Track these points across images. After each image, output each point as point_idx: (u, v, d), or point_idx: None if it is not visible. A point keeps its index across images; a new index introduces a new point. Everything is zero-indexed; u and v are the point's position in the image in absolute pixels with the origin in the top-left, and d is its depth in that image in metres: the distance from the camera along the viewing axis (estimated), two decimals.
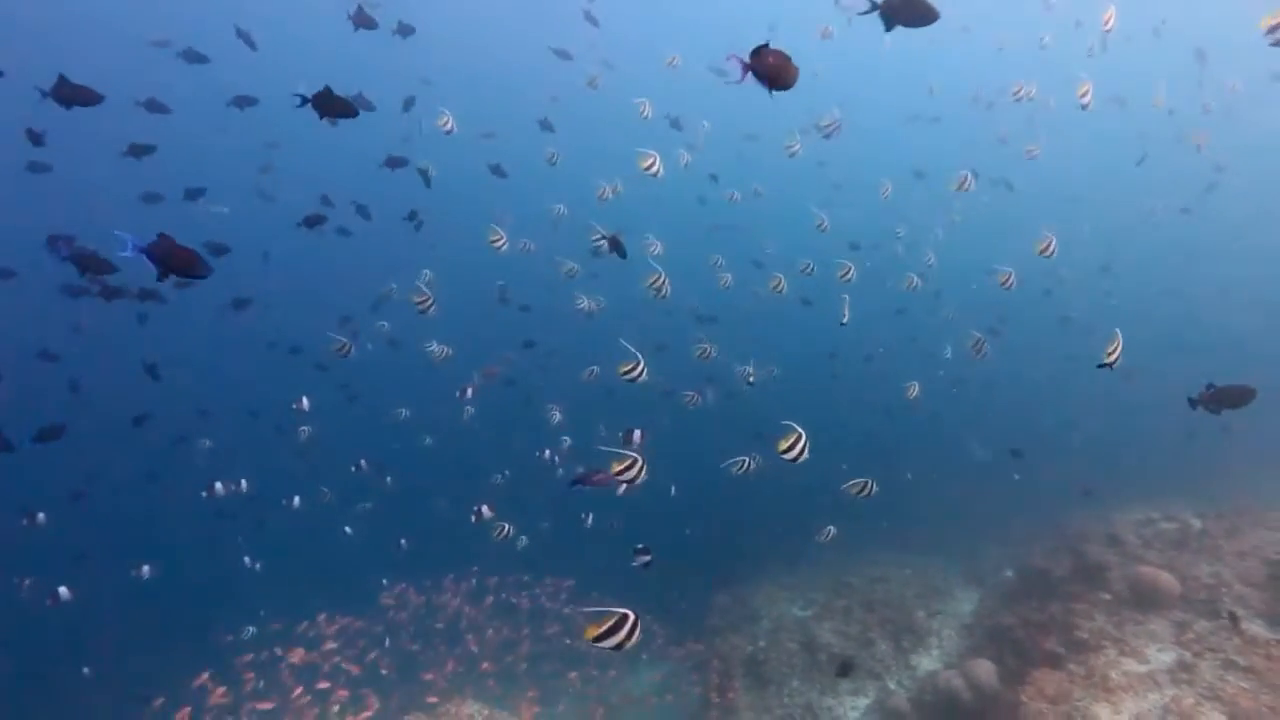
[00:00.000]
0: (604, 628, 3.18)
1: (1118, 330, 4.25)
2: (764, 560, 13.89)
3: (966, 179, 7.14)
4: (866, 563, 13.33)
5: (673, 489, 11.13)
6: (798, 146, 8.40)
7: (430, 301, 7.56)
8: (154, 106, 10.48)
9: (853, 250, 15.05)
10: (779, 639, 11.47)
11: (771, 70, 3.34)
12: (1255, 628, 7.51)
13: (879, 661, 10.53)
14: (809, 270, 8.21)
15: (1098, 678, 7.22)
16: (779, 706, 10.25)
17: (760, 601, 12.82)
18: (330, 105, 5.42)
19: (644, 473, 3.73)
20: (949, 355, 11.59)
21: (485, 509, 7.29)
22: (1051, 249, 6.16)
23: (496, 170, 12.86)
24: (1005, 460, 13.93)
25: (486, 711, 8.39)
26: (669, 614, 13.35)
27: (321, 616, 10.18)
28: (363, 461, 9.03)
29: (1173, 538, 9.86)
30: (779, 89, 3.40)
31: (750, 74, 3.34)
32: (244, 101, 11.99)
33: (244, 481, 8.23)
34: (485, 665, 10.12)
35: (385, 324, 11.93)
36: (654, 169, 6.52)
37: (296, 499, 10.22)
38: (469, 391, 9.06)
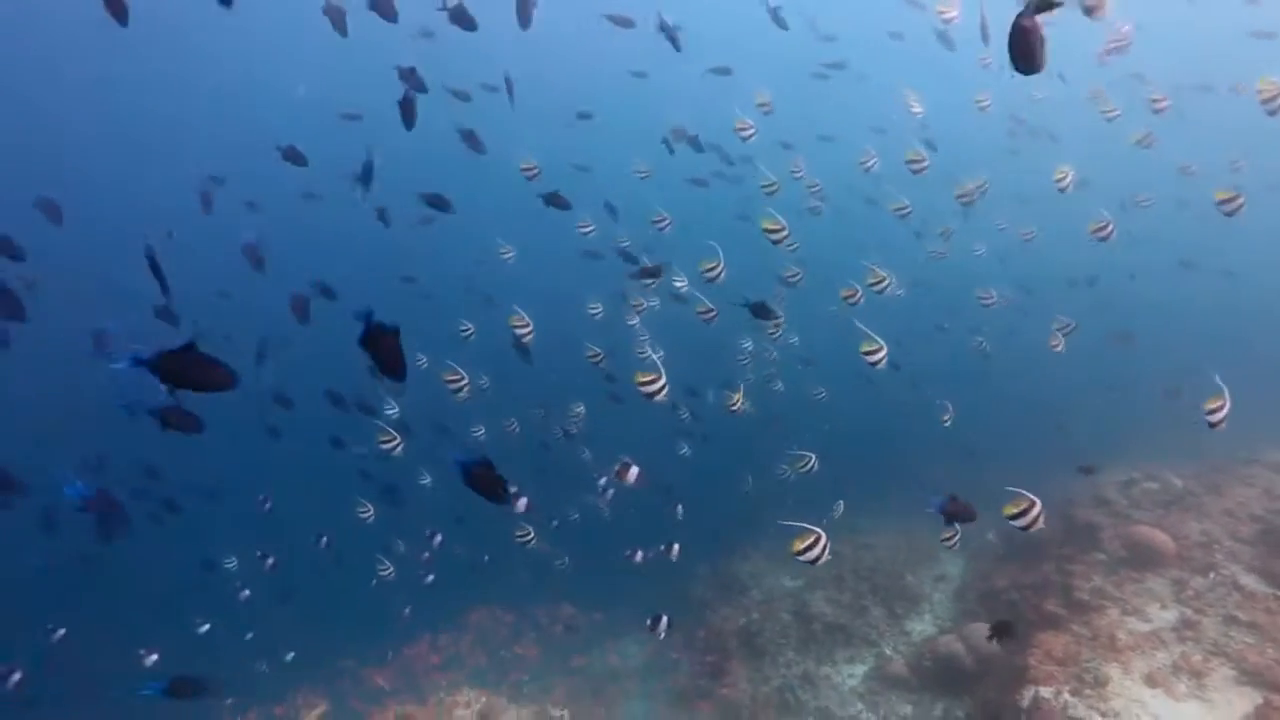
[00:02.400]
0: None
1: (1221, 386, 4.00)
2: (750, 533, 13.75)
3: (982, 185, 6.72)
4: (850, 529, 13.32)
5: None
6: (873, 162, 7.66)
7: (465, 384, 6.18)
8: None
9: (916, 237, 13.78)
10: (772, 609, 11.37)
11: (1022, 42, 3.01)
12: (1252, 583, 7.65)
13: (874, 628, 10.52)
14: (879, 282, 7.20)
15: (1104, 638, 7.24)
16: (776, 677, 10.15)
17: (748, 573, 12.71)
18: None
19: (827, 552, 3.55)
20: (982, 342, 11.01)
21: (524, 501, 6.37)
22: (1238, 206, 5.65)
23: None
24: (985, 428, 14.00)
25: (484, 698, 8.00)
26: (655, 592, 13.12)
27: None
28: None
29: (1158, 497, 10.03)
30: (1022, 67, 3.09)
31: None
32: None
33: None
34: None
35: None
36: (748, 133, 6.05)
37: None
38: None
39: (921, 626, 10.50)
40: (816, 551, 3.49)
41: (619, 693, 11.58)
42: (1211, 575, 7.90)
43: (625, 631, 12.74)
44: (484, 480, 3.55)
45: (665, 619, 5.76)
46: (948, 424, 7.83)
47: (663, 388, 4.45)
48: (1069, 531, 10.08)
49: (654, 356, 7.99)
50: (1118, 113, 7.98)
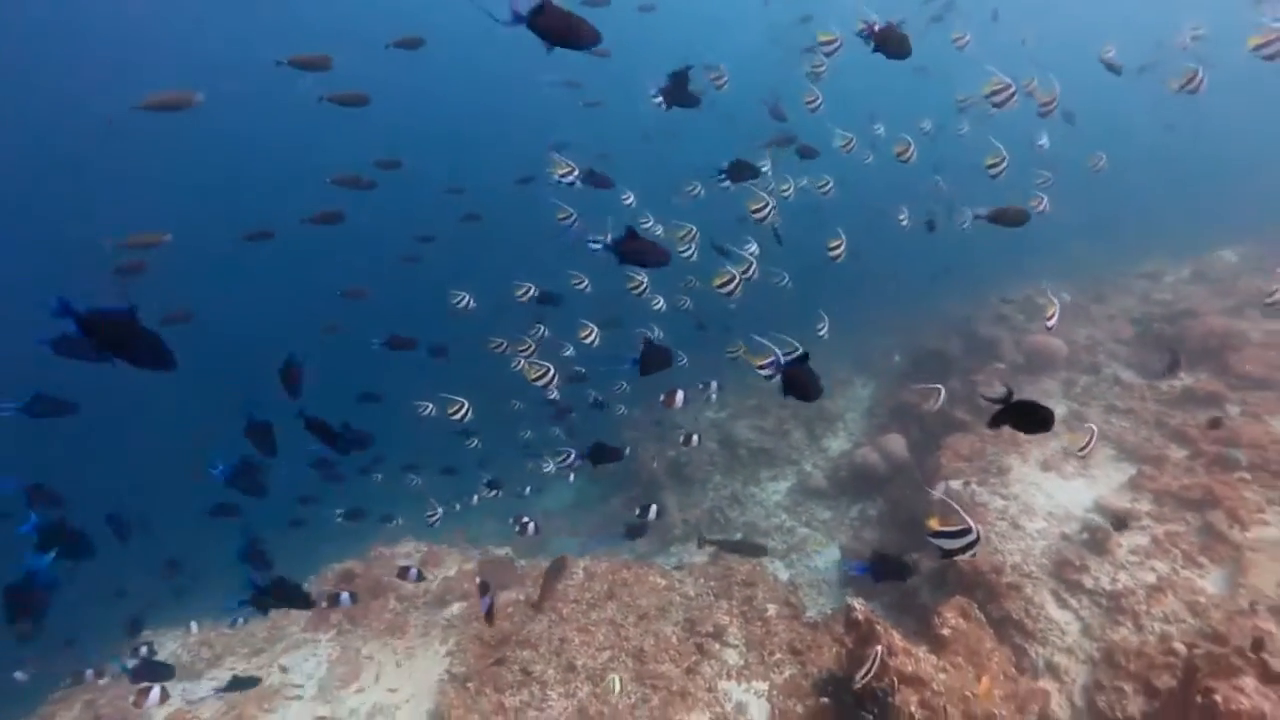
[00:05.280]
0: None
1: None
2: (672, 373, 13.89)
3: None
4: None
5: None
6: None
7: None
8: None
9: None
10: (699, 442, 11.77)
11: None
12: (1129, 376, 8.50)
13: (795, 449, 11.18)
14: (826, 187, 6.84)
15: (1005, 435, 7.92)
16: (705, 500, 10.74)
17: (676, 410, 13.00)
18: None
19: (977, 546, 3.24)
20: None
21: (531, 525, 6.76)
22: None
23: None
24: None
25: (425, 547, 7.92)
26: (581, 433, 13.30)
27: None
28: None
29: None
30: None
31: None
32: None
33: None
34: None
35: None
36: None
37: None
38: None
39: (838, 443, 11.26)
40: (963, 545, 3.29)
41: (552, 529, 12.01)
42: (1095, 373, 8.72)
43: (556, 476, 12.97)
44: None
45: (654, 508, 6.29)
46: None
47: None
48: (971, 347, 10.79)
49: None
50: None
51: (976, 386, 9.28)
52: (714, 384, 7.72)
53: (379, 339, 7.06)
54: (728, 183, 6.09)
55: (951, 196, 8.75)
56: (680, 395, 5.79)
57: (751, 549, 7.59)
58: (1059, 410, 8.30)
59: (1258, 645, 3.81)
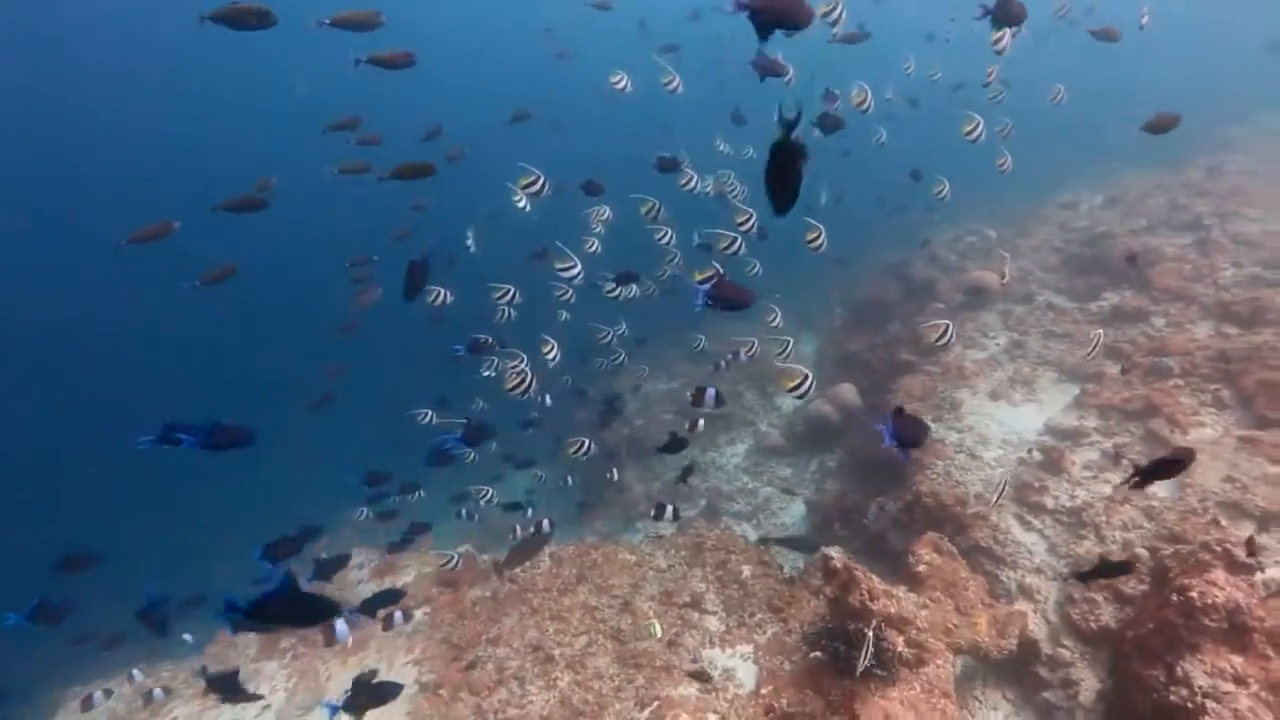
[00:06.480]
0: None
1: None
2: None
3: None
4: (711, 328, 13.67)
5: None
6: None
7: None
8: None
9: None
10: (653, 414, 11.61)
11: None
12: (1061, 301, 8.76)
13: (749, 410, 11.13)
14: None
15: (953, 370, 8.05)
16: (665, 471, 10.57)
17: (624, 384, 12.76)
18: None
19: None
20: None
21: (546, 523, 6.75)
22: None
23: None
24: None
25: (376, 556, 7.43)
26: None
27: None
28: None
29: (979, 247, 11.06)
30: None
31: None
32: None
33: None
34: None
35: None
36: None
37: None
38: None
39: (790, 400, 11.27)
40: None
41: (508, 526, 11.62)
42: (1029, 302, 8.95)
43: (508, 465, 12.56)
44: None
45: (670, 508, 6.10)
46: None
47: (811, 386, 4.62)
48: (909, 290, 10.95)
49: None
50: None
51: (918, 328, 9.40)
52: (742, 352, 7.54)
53: (462, 345, 6.88)
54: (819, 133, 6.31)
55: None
56: (711, 393, 5.76)
57: (808, 544, 7.65)
58: (1000, 341, 8.50)
59: (1250, 544, 3.97)
